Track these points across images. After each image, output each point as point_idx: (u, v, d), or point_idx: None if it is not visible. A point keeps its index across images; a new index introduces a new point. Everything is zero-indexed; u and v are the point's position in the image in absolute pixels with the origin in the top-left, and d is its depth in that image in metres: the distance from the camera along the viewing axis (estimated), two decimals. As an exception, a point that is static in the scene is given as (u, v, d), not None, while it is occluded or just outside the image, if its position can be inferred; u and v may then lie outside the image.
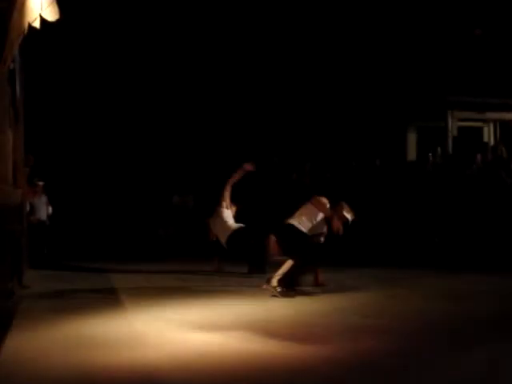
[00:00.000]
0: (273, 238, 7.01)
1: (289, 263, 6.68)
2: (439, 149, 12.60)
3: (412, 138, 14.96)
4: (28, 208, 10.23)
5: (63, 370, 3.64)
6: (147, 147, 14.83)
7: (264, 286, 6.65)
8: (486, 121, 14.82)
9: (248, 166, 8.44)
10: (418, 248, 10.71)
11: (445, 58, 13.77)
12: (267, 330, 4.67)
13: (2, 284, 5.79)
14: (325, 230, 6.95)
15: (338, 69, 14.37)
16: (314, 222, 6.80)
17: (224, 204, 8.46)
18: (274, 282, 6.57)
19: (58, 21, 6.24)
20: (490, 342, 4.33)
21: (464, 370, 3.61)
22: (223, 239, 8.36)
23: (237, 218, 8.59)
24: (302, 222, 6.80)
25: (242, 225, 8.42)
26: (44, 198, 11.20)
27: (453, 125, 14.37)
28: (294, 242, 6.76)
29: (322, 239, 6.99)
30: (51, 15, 6.13)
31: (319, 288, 6.93)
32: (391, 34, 14.12)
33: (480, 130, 14.85)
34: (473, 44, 13.88)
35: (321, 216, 6.82)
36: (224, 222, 8.36)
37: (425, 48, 14.02)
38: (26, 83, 8.99)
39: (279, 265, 6.74)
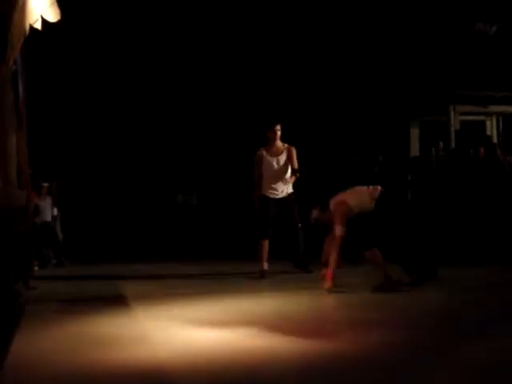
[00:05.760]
0: None
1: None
2: (441, 143, 12.57)
3: (415, 133, 14.94)
4: (33, 210, 10.25)
5: (72, 368, 3.65)
6: (150, 146, 14.85)
7: None
8: (488, 114, 14.80)
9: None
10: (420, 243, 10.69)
11: (446, 52, 13.74)
12: (277, 327, 4.67)
13: (9, 285, 5.79)
14: None
15: (340, 64, 14.36)
16: None
17: None
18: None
19: (59, 22, 6.26)
20: (499, 335, 4.32)
21: (473, 363, 3.61)
22: None
23: None
24: None
25: None
26: (48, 200, 11.24)
27: (455, 119, 14.36)
28: None
29: None
30: (52, 16, 6.15)
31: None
32: (393, 30, 14.11)
33: (483, 124, 14.83)
34: (474, 38, 13.85)
35: None
36: None
37: (426, 43, 14.00)
38: (28, 85, 8.99)
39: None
